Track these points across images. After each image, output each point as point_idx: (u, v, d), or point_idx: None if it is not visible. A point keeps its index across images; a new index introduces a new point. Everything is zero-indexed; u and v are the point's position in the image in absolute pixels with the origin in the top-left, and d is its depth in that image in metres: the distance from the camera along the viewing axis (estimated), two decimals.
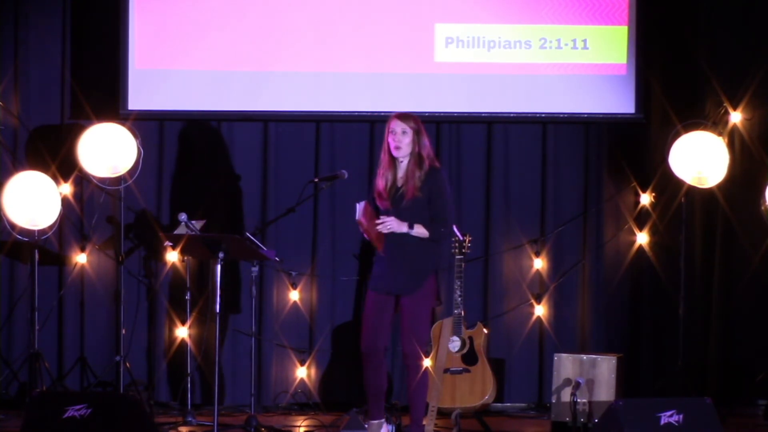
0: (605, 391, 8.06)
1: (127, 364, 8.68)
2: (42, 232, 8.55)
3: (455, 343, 8.40)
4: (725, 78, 8.99)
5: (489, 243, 9.12)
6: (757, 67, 8.91)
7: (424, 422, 7.94)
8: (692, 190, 8.75)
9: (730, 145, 8.88)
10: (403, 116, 7.31)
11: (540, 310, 9.11)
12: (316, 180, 7.87)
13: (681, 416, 6.76)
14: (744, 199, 8.88)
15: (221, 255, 7.40)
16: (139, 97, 8.91)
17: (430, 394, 8.24)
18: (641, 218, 9.12)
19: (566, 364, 8.19)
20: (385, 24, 8.92)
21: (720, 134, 8.80)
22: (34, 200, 8.43)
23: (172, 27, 8.91)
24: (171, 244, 8.17)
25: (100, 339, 9.04)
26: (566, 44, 8.96)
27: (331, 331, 9.06)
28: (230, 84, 8.93)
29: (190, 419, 8.39)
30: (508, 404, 9.09)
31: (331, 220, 9.06)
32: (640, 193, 9.10)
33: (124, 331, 8.74)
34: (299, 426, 8.39)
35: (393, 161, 7.34)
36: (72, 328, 9.05)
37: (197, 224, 8.02)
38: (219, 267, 7.42)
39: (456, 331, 8.37)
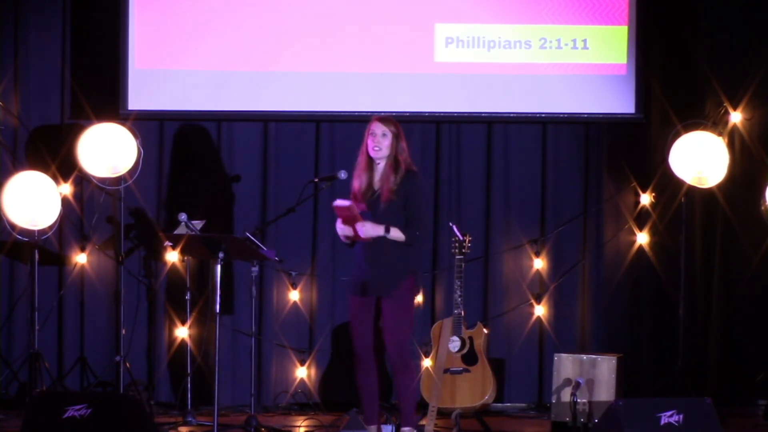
0: (605, 391, 8.06)
1: (127, 364, 8.68)
2: (42, 232, 8.55)
3: (455, 343, 8.40)
4: (725, 78, 8.99)
5: (489, 243, 9.13)
6: (757, 67, 8.91)
7: (424, 422, 7.95)
8: (692, 190, 8.75)
9: (730, 145, 8.88)
10: (384, 119, 7.38)
11: (540, 310, 9.11)
12: (316, 180, 7.87)
13: (681, 416, 6.76)
14: (744, 199, 8.88)
15: (221, 255, 7.39)
16: (139, 97, 8.91)
17: (430, 394, 8.25)
18: (641, 218, 9.12)
19: (566, 364, 8.18)
20: (385, 24, 8.92)
21: (720, 134, 8.80)
22: (34, 200, 8.43)
23: (172, 27, 8.92)
24: (171, 244, 8.17)
25: (100, 339, 9.04)
26: (566, 44, 8.96)
27: (331, 331, 9.06)
28: (230, 84, 8.94)
29: (190, 419, 8.39)
30: (508, 404, 9.09)
31: (331, 220, 9.03)
32: (640, 193, 9.10)
33: (124, 331, 8.74)
34: (299, 426, 8.39)
35: (370, 163, 7.38)
36: (72, 328, 9.05)
37: (197, 224, 8.02)
38: (219, 267, 7.42)
39: (456, 331, 8.37)
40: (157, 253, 8.98)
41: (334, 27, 8.92)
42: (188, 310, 8.66)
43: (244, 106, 8.97)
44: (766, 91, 8.95)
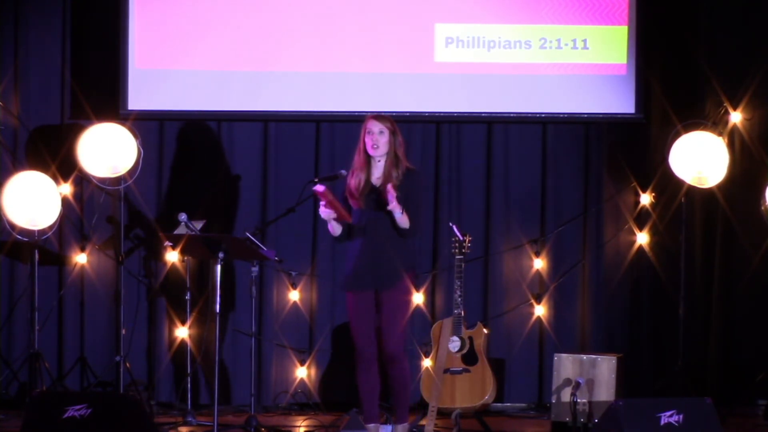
0: (605, 391, 8.06)
1: (127, 364, 8.68)
2: (42, 232, 8.55)
3: (455, 343, 8.40)
4: (725, 78, 8.99)
5: (489, 243, 9.13)
6: (757, 67, 8.91)
7: (424, 422, 7.95)
8: (692, 190, 8.75)
9: (730, 145, 8.88)
10: (380, 117, 7.40)
11: (540, 310, 9.11)
12: (316, 180, 7.86)
13: (681, 416, 6.76)
14: (744, 199, 8.88)
15: (221, 255, 7.40)
16: (139, 97, 8.91)
17: (430, 394, 8.25)
18: (641, 218, 9.12)
19: (566, 364, 8.19)
20: (385, 24, 8.92)
21: (720, 134, 8.80)
22: (34, 200, 8.43)
23: (172, 27, 8.92)
24: (171, 244, 8.17)
25: (100, 339, 9.04)
26: (566, 44, 8.96)
27: (331, 331, 9.06)
28: (230, 84, 8.94)
29: (190, 419, 8.39)
30: (508, 404, 9.09)
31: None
32: (640, 193, 9.10)
33: (124, 331, 8.74)
34: (299, 426, 8.39)
35: (368, 161, 7.39)
36: (72, 328, 9.06)
37: (197, 224, 8.02)
38: (219, 267, 7.42)
39: (456, 331, 8.37)
40: (157, 253, 8.98)
41: (334, 27, 8.92)
42: (188, 310, 8.66)
43: (244, 106, 8.97)
44: (766, 91, 8.95)
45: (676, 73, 9.09)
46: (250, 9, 8.92)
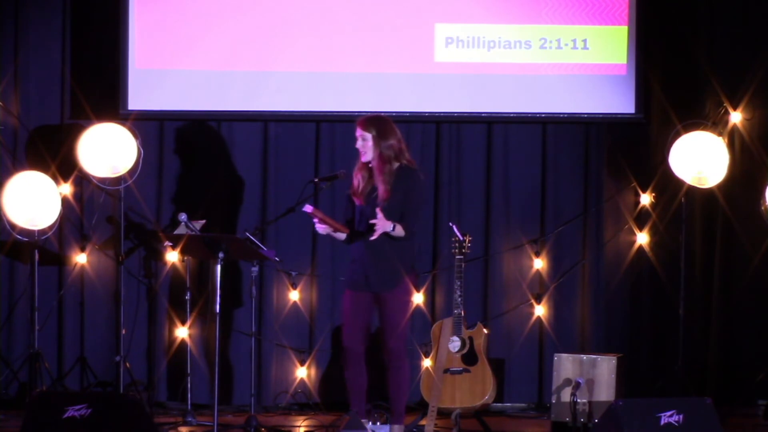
0: (605, 391, 8.06)
1: (127, 364, 8.68)
2: (42, 232, 8.55)
3: (455, 343, 8.39)
4: (725, 78, 8.99)
5: (489, 243, 9.12)
6: (757, 67, 8.91)
7: (424, 422, 7.96)
8: (692, 190, 8.75)
9: (730, 145, 8.88)
10: (363, 123, 7.48)
11: (540, 310, 9.11)
12: (316, 180, 7.88)
13: (681, 416, 6.76)
14: (744, 199, 8.88)
15: (221, 255, 7.40)
16: (139, 97, 8.91)
17: (430, 394, 8.24)
18: (641, 218, 9.12)
19: (566, 364, 8.18)
20: (385, 24, 8.92)
21: (720, 134, 8.80)
22: (34, 200, 8.43)
23: (172, 27, 8.91)
24: (171, 244, 8.17)
25: (100, 339, 9.04)
26: (566, 44, 8.96)
27: (331, 331, 9.06)
28: (230, 84, 8.93)
29: (190, 419, 8.39)
30: (508, 404, 9.09)
31: None
32: (640, 193, 9.10)
33: (124, 331, 8.74)
34: (299, 426, 8.39)
35: (367, 162, 7.48)
36: (72, 328, 9.05)
37: (197, 224, 8.01)
38: (219, 267, 7.42)
39: (456, 331, 8.37)
40: (157, 253, 8.98)
41: (334, 27, 8.92)
42: (188, 310, 8.66)
43: (244, 106, 8.97)
44: (766, 91, 8.95)
45: (676, 73, 9.09)
46: (250, 9, 8.91)
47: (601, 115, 9.05)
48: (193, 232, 7.76)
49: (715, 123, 8.93)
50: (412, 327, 9.00)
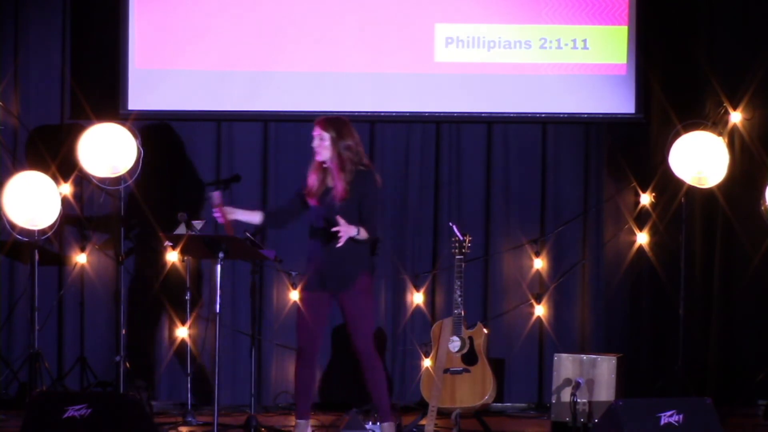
0: (605, 391, 8.06)
1: (127, 364, 8.68)
2: (42, 232, 8.55)
3: (455, 343, 8.39)
4: (725, 78, 8.99)
5: (489, 243, 9.12)
6: (757, 67, 8.91)
7: (424, 422, 7.96)
8: (692, 190, 8.75)
9: (730, 145, 8.88)
10: (322, 122, 7.44)
11: (540, 310, 9.11)
12: (219, 187, 7.88)
13: (681, 416, 6.76)
14: (744, 199, 8.88)
15: (221, 255, 7.40)
16: (139, 97, 8.91)
17: (430, 394, 8.24)
18: (641, 218, 9.12)
19: (566, 364, 8.18)
20: (385, 24, 8.92)
21: (720, 134, 8.80)
22: (34, 200, 8.43)
23: (172, 27, 8.91)
24: (171, 244, 8.17)
25: (100, 339, 9.04)
26: (566, 44, 8.96)
27: (331, 331, 9.05)
28: (230, 84, 8.93)
29: (190, 419, 8.39)
30: (508, 404, 9.09)
31: None
32: (640, 193, 9.10)
33: (124, 331, 8.74)
34: None
35: (322, 163, 7.46)
36: (72, 328, 9.05)
37: (197, 224, 8.01)
38: (219, 267, 7.42)
39: (456, 331, 8.36)
40: (157, 253, 8.98)
41: (334, 27, 8.92)
42: (188, 310, 8.66)
43: (244, 106, 8.97)
44: (766, 91, 8.95)
45: (676, 73, 9.09)
46: (250, 9, 8.91)
47: (601, 115, 9.05)
48: (193, 232, 7.75)
49: (715, 123, 8.93)
50: (412, 327, 9.03)
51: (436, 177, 9.13)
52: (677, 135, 8.69)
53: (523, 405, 9.11)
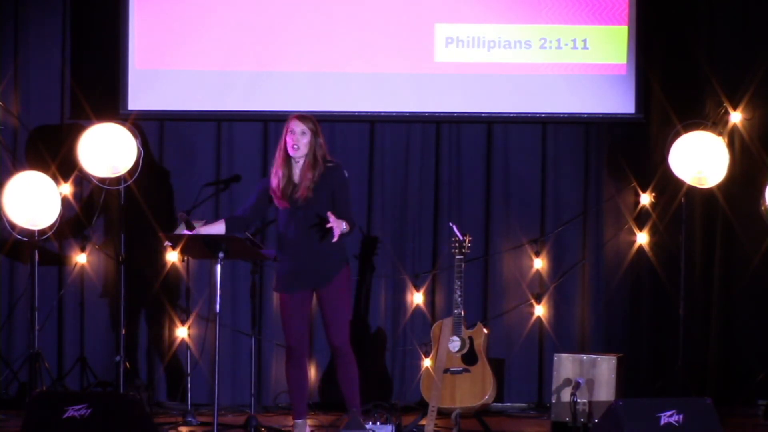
0: (605, 391, 8.06)
1: (127, 364, 8.68)
2: (42, 232, 8.55)
3: (455, 343, 8.39)
4: (725, 78, 8.99)
5: (489, 243, 9.12)
6: (757, 67, 8.91)
7: (424, 422, 7.96)
8: (692, 190, 8.75)
9: (730, 145, 8.88)
10: (303, 117, 7.44)
11: (540, 310, 9.11)
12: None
13: (681, 416, 6.76)
14: (744, 199, 8.89)
15: (221, 255, 7.40)
16: (139, 97, 8.91)
17: (430, 394, 8.24)
18: (641, 218, 9.12)
19: (566, 364, 8.18)
20: (385, 24, 8.92)
21: (720, 134, 8.80)
22: (34, 200, 8.44)
23: (173, 27, 8.91)
24: (171, 244, 8.17)
25: (100, 339, 9.04)
26: (566, 44, 8.96)
27: None
28: (230, 84, 8.93)
29: (190, 419, 8.39)
30: (508, 404, 9.09)
31: None
32: (640, 193, 9.10)
33: (124, 331, 8.74)
34: None
35: (288, 160, 7.43)
36: (72, 328, 9.05)
37: (197, 224, 8.01)
38: (219, 267, 7.42)
39: (456, 331, 8.37)
40: (157, 253, 8.98)
41: (334, 27, 8.92)
42: (188, 310, 8.65)
43: (244, 106, 8.97)
44: (766, 91, 8.95)
45: (676, 73, 9.09)
46: (250, 9, 8.91)
47: (601, 115, 9.05)
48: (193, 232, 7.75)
49: (715, 123, 8.93)
50: (412, 327, 9.04)
51: (436, 177, 9.13)
52: (677, 135, 8.69)
53: (523, 405, 9.11)
